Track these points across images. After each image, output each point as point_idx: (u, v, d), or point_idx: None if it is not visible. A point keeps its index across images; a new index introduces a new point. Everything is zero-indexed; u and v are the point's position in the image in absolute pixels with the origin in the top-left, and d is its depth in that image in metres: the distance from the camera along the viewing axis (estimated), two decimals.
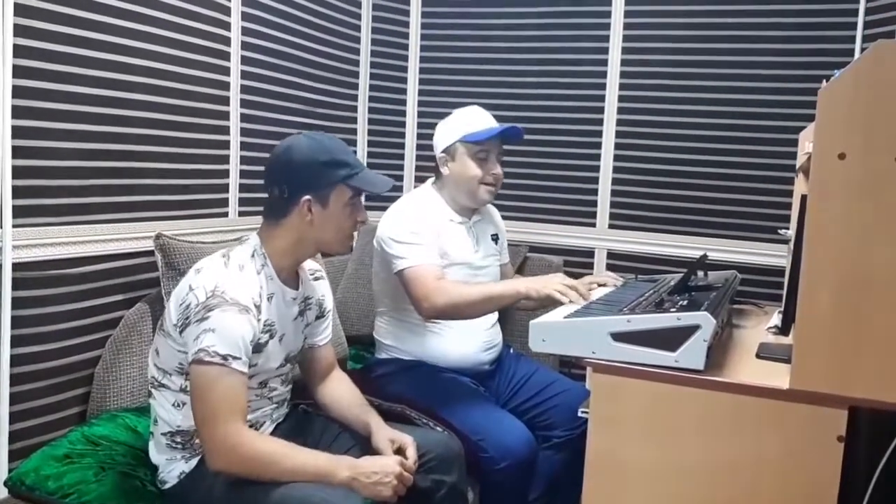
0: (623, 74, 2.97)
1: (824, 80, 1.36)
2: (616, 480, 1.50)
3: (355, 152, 3.17)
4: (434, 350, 2.27)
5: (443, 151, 2.31)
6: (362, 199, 1.77)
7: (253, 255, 1.68)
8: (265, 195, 1.73)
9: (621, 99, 2.98)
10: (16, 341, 1.79)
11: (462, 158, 2.29)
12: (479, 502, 2.11)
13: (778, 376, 1.41)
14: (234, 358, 1.54)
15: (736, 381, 1.42)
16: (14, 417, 1.80)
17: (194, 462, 1.65)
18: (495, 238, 2.48)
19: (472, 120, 2.31)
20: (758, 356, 1.59)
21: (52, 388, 1.89)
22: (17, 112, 1.75)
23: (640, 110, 2.96)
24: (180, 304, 1.60)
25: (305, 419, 1.91)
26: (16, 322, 1.78)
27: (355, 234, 1.79)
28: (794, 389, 1.35)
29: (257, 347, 1.63)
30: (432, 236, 2.20)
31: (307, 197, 1.66)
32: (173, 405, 1.67)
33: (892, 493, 1.33)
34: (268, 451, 1.57)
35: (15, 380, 1.79)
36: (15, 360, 1.79)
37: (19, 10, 1.74)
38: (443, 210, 2.32)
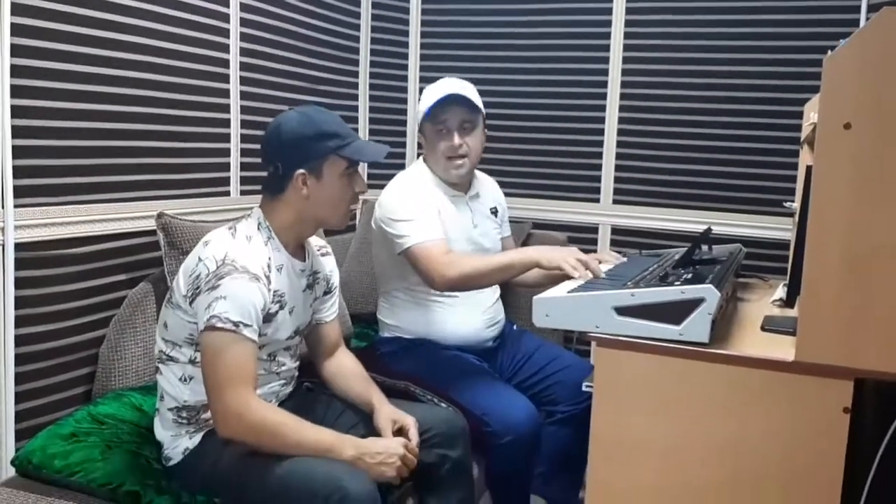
0: (626, 48, 2.93)
1: (829, 51, 1.34)
2: (621, 454, 1.50)
3: (356, 127, 3.16)
4: (437, 327, 2.27)
5: (419, 130, 2.31)
6: (360, 169, 1.76)
7: (259, 228, 1.69)
8: (264, 172, 1.73)
9: (624, 73, 2.95)
10: (20, 321, 1.79)
11: (428, 135, 2.28)
12: (484, 477, 2.12)
13: (783, 349, 1.40)
14: (246, 325, 1.54)
15: (741, 353, 1.42)
16: (20, 397, 1.81)
17: (199, 438, 1.66)
18: (494, 211, 2.46)
19: (432, 93, 2.25)
20: (763, 329, 1.59)
21: (57, 368, 1.89)
22: (15, 92, 1.74)
23: (644, 84, 2.93)
24: (190, 275, 1.61)
25: (310, 397, 1.91)
26: (20, 302, 1.78)
27: (357, 206, 1.78)
28: (799, 361, 1.34)
29: (267, 317, 1.64)
30: (433, 211, 2.19)
31: (301, 171, 1.67)
32: (180, 379, 1.67)
33: None
34: (275, 422, 1.58)
35: (20, 360, 1.80)
36: (20, 341, 1.79)
37: None
38: (437, 186, 2.31)
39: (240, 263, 1.57)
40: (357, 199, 1.78)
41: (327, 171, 1.69)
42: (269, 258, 1.66)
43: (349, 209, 1.77)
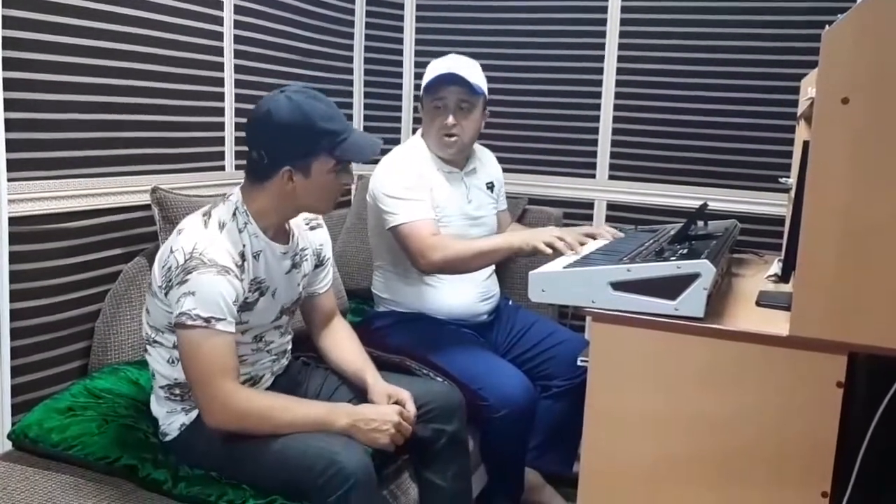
0: (623, 22, 2.91)
1: (827, 25, 1.33)
2: (616, 428, 1.51)
3: (350, 102, 3.14)
4: (431, 302, 2.28)
5: (420, 103, 2.31)
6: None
7: (235, 214, 1.64)
8: (247, 152, 1.69)
9: (621, 48, 2.93)
10: (15, 296, 1.79)
11: (425, 109, 2.28)
12: (480, 450, 2.13)
13: (778, 323, 1.41)
14: (218, 319, 1.52)
15: (736, 328, 1.42)
16: (16, 371, 1.81)
17: (194, 414, 1.66)
18: (490, 186, 2.46)
19: (432, 69, 2.26)
20: (758, 304, 1.59)
21: (52, 342, 1.89)
22: (7, 64, 1.72)
23: (640, 59, 2.91)
24: (163, 267, 1.59)
25: (305, 371, 1.92)
26: (14, 276, 1.78)
27: (350, 188, 1.76)
28: (793, 336, 1.35)
29: (245, 306, 1.62)
30: (425, 190, 2.19)
31: (287, 168, 1.60)
32: (168, 361, 1.67)
33: (891, 438, 1.34)
34: (263, 406, 1.59)
35: (15, 334, 1.80)
36: (15, 315, 1.79)
37: None
38: (432, 161, 2.30)
39: (208, 257, 1.53)
40: (344, 189, 1.74)
41: (316, 168, 1.62)
42: (245, 246, 1.62)
43: (337, 198, 1.73)
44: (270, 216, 1.68)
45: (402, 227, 2.12)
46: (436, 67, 2.24)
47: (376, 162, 2.31)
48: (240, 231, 1.63)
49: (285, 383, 1.80)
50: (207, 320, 1.51)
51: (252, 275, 1.64)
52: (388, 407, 1.68)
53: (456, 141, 2.26)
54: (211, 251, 1.55)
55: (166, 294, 1.58)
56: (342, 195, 1.78)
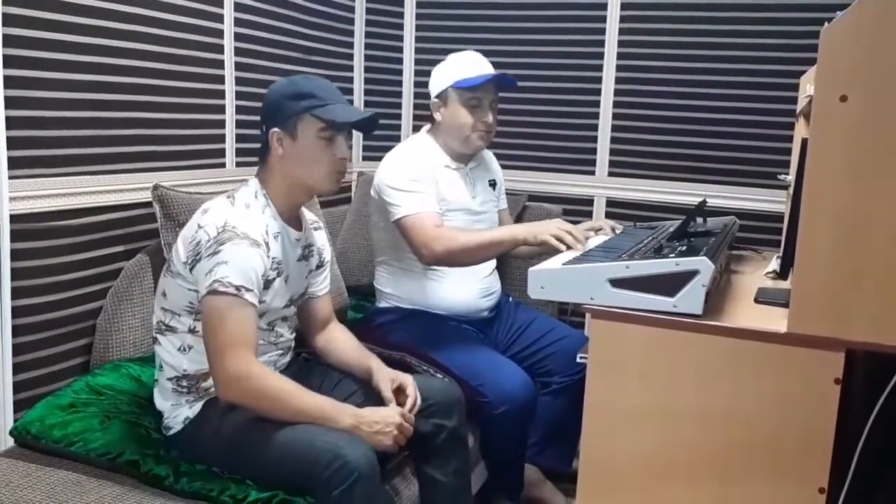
0: (623, 19, 2.92)
1: (826, 23, 1.33)
2: (615, 425, 1.51)
3: (351, 99, 3.14)
4: (433, 297, 2.29)
5: (436, 97, 2.30)
6: (344, 136, 1.73)
7: (255, 195, 1.71)
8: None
9: (621, 44, 2.93)
10: (17, 293, 1.79)
11: (454, 105, 2.27)
12: (480, 447, 2.14)
13: (776, 320, 1.41)
14: (247, 290, 1.56)
15: (734, 325, 1.42)
16: (17, 368, 1.82)
17: (198, 407, 1.68)
18: (493, 184, 2.48)
19: (466, 65, 2.27)
20: (756, 301, 1.60)
21: (54, 339, 1.90)
22: (8, 61, 1.73)
23: (639, 56, 2.92)
24: (190, 242, 1.62)
25: (307, 367, 1.93)
26: (16, 274, 1.78)
27: (343, 172, 1.74)
28: (791, 333, 1.35)
29: (266, 284, 1.66)
30: (430, 183, 2.20)
31: (275, 129, 1.68)
32: (179, 349, 1.68)
33: (888, 435, 1.34)
34: (276, 387, 1.60)
35: (17, 331, 1.80)
36: (17, 312, 1.80)
37: None
38: (439, 156, 2.31)
39: (240, 230, 1.59)
40: (341, 165, 1.74)
41: (301, 130, 1.68)
42: (267, 225, 1.68)
43: (333, 172, 1.73)
44: (283, 198, 1.74)
45: (405, 218, 2.13)
46: (471, 66, 2.26)
47: (380, 159, 2.32)
48: (262, 212, 1.69)
49: (288, 377, 1.81)
50: (238, 289, 1.55)
51: (273, 253, 1.68)
52: (390, 409, 1.69)
53: (488, 137, 2.31)
54: (242, 225, 1.60)
55: (192, 269, 1.61)
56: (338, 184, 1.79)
